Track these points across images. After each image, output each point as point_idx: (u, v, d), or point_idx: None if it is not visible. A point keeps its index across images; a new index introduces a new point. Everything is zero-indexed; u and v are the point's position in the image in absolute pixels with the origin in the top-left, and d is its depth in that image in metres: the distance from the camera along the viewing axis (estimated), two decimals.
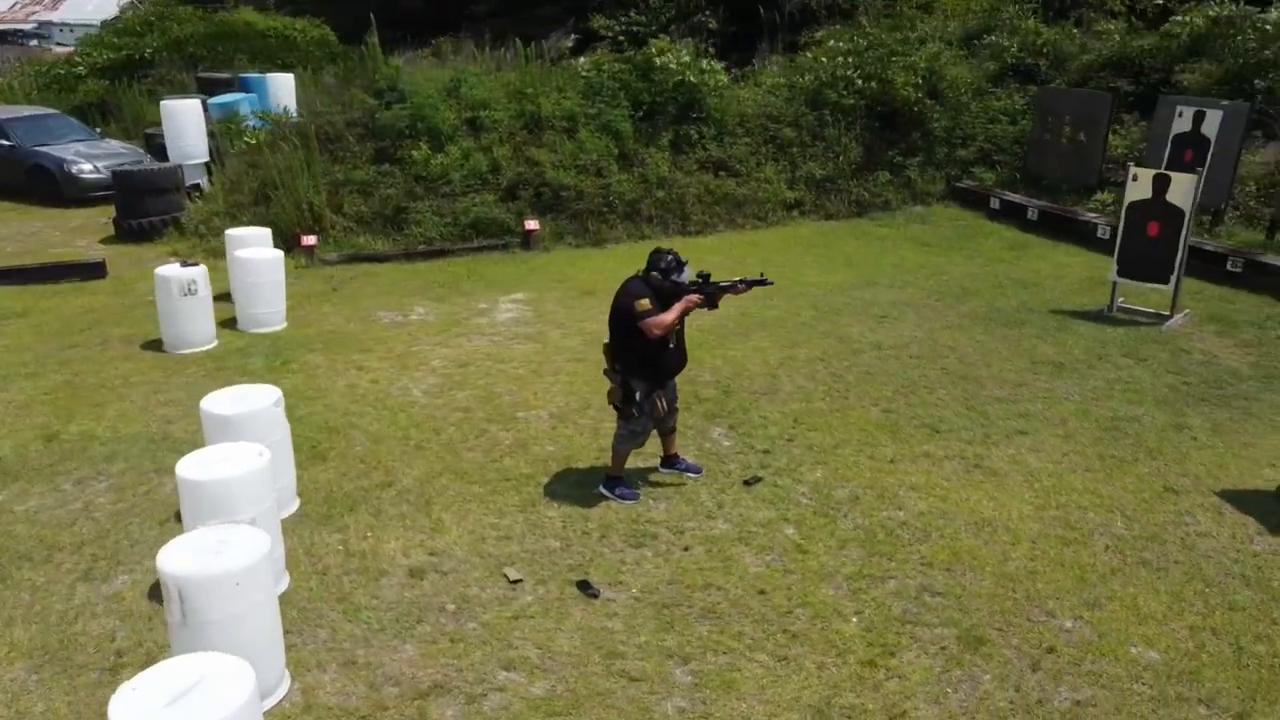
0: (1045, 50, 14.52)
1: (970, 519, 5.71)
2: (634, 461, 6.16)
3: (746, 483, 6.15)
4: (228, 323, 9.19)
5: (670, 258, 5.67)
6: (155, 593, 4.93)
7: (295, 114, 13.47)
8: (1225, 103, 11.18)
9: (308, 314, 9.71)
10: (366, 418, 7.16)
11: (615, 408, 5.83)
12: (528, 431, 6.94)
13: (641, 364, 5.71)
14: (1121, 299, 9.52)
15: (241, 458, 4.83)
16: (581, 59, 14.12)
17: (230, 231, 10.07)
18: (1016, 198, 13.18)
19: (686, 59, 13.04)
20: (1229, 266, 10.30)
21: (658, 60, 12.92)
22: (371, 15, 13.48)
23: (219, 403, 5.55)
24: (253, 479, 4.76)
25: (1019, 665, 4.45)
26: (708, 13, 20.25)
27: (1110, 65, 13.66)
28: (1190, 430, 6.90)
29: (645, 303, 5.56)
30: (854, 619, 4.80)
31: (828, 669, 4.44)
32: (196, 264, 8.74)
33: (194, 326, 8.61)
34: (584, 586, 5.05)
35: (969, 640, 4.62)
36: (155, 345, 8.69)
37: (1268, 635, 4.62)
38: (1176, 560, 5.26)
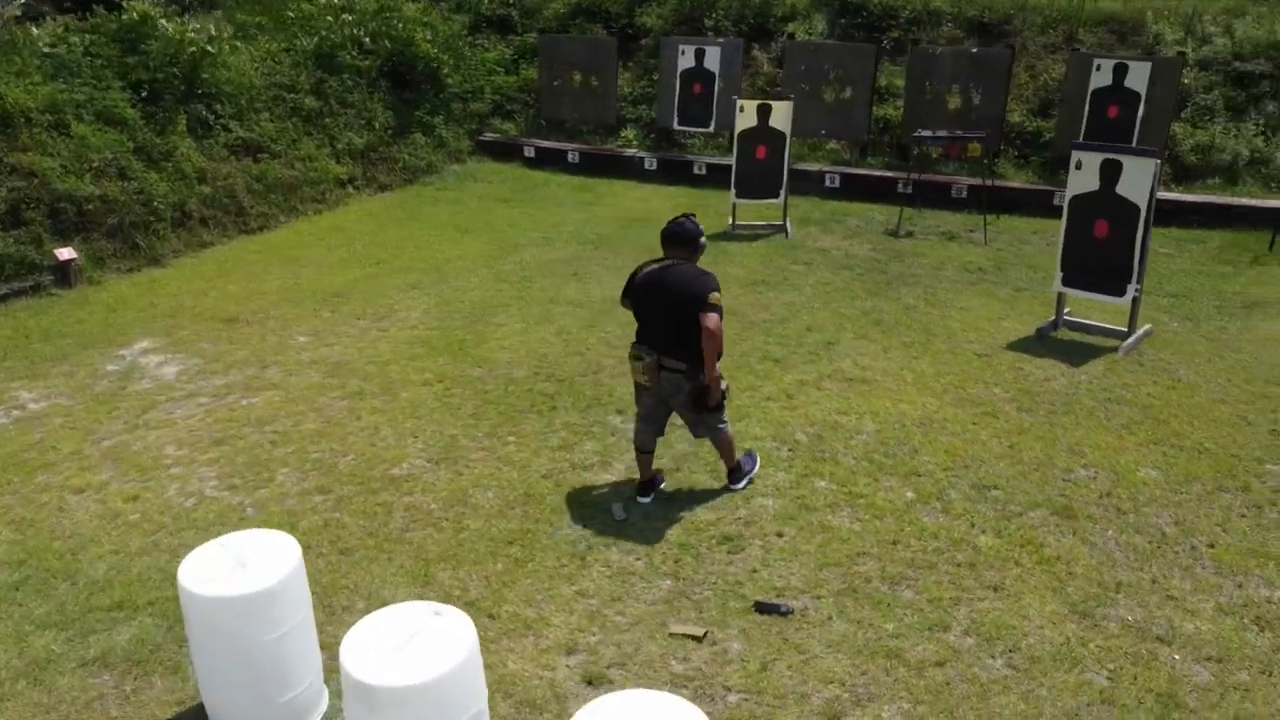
0: (514, 1, 15.02)
1: (914, 422, 6.31)
2: (594, 477, 5.50)
3: None
4: None
5: (692, 218, 5.29)
6: None
7: None
8: (722, 40, 12.99)
9: None
10: None
11: (710, 408, 5.18)
12: (436, 487, 5.63)
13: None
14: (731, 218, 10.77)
15: (425, 635, 3.27)
16: (35, 29, 10.64)
17: None
18: (551, 143, 13.71)
19: (195, 24, 10.72)
20: None
21: (166, 25, 10.39)
22: None
23: (216, 574, 3.58)
24: (477, 660, 3.29)
25: (1114, 516, 5.25)
26: None
27: (581, 13, 14.72)
28: (918, 309, 8.37)
29: (718, 295, 5.02)
30: (977, 533, 5.12)
31: (1026, 579, 4.74)
32: None
33: None
34: (768, 608, 4.52)
35: (1062, 513, 5.28)
36: None
37: (1183, 431, 6.12)
38: (1065, 404, 6.55)
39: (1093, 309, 7.86)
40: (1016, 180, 11.57)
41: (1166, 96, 10.62)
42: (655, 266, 5.19)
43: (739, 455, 5.60)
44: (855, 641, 4.31)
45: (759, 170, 10.47)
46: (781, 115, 10.31)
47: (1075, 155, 7.32)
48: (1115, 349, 7.32)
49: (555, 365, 7.25)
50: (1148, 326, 7.62)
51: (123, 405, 6.76)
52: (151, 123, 10.54)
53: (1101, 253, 7.30)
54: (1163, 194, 10.80)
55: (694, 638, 4.34)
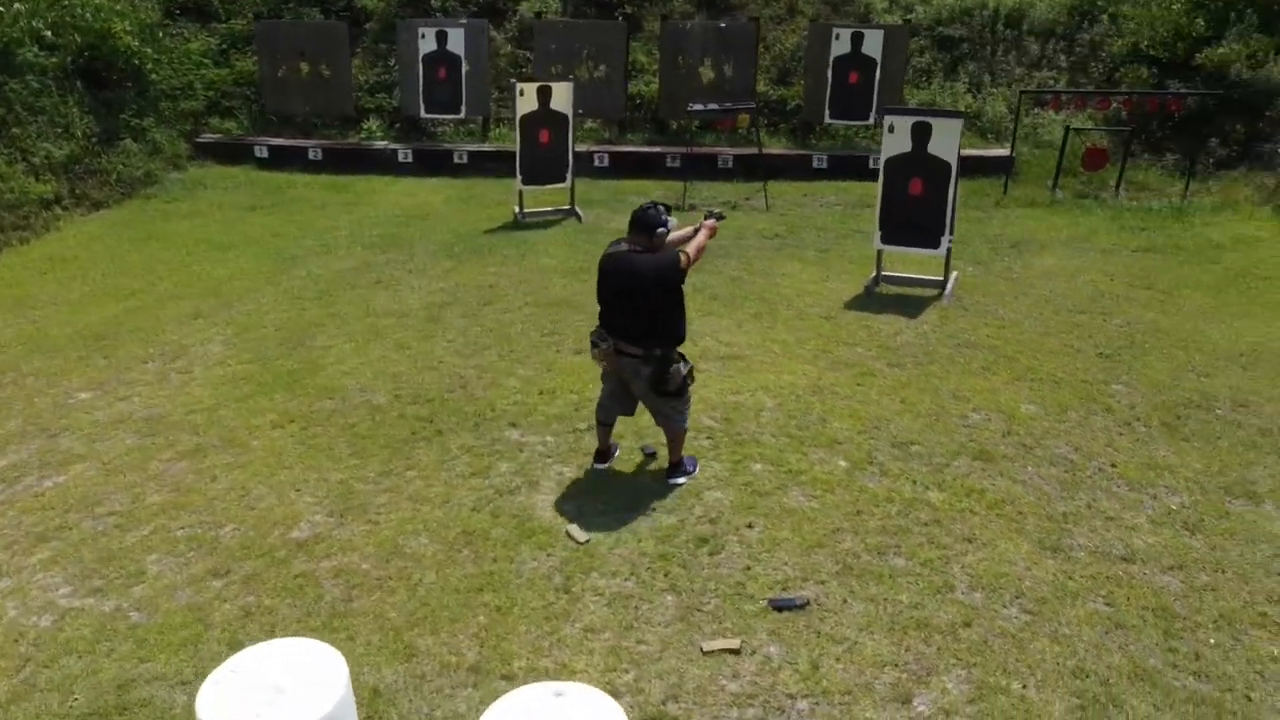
0: None
1: (806, 391, 6.42)
2: (527, 500, 5.10)
3: (650, 455, 5.68)
4: None
5: (659, 207, 5.08)
6: None
7: None
8: (465, 20, 12.38)
9: None
10: (156, 664, 4.10)
11: (670, 394, 5.10)
12: (356, 543, 4.92)
13: (679, 330, 5.13)
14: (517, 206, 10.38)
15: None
16: None
17: None
18: (286, 141, 12.43)
19: None
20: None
21: None
22: None
23: (252, 708, 2.86)
24: None
25: (1024, 453, 5.64)
26: None
27: None
28: (744, 279, 8.54)
29: (682, 257, 5.01)
30: (924, 491, 5.29)
31: (989, 525, 4.97)
32: None
33: None
34: (784, 605, 4.39)
35: (982, 458, 5.60)
36: None
37: (1034, 366, 6.71)
38: (925, 354, 6.95)
39: (896, 261, 8.40)
40: (773, 147, 12.12)
41: (897, 61, 11.58)
42: (621, 249, 5.08)
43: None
44: (882, 619, 4.30)
45: (543, 155, 10.14)
46: (563, 97, 10.04)
47: (888, 120, 7.75)
48: (938, 297, 7.89)
49: (414, 385, 6.59)
50: (955, 273, 8.28)
51: None
52: None
53: (917, 209, 7.82)
54: None
55: (731, 651, 4.12)
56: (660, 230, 5.02)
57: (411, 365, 6.89)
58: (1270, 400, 6.20)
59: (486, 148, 12.16)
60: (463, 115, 12.55)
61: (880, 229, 8.05)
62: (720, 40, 11.92)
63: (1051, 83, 12.43)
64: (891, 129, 7.74)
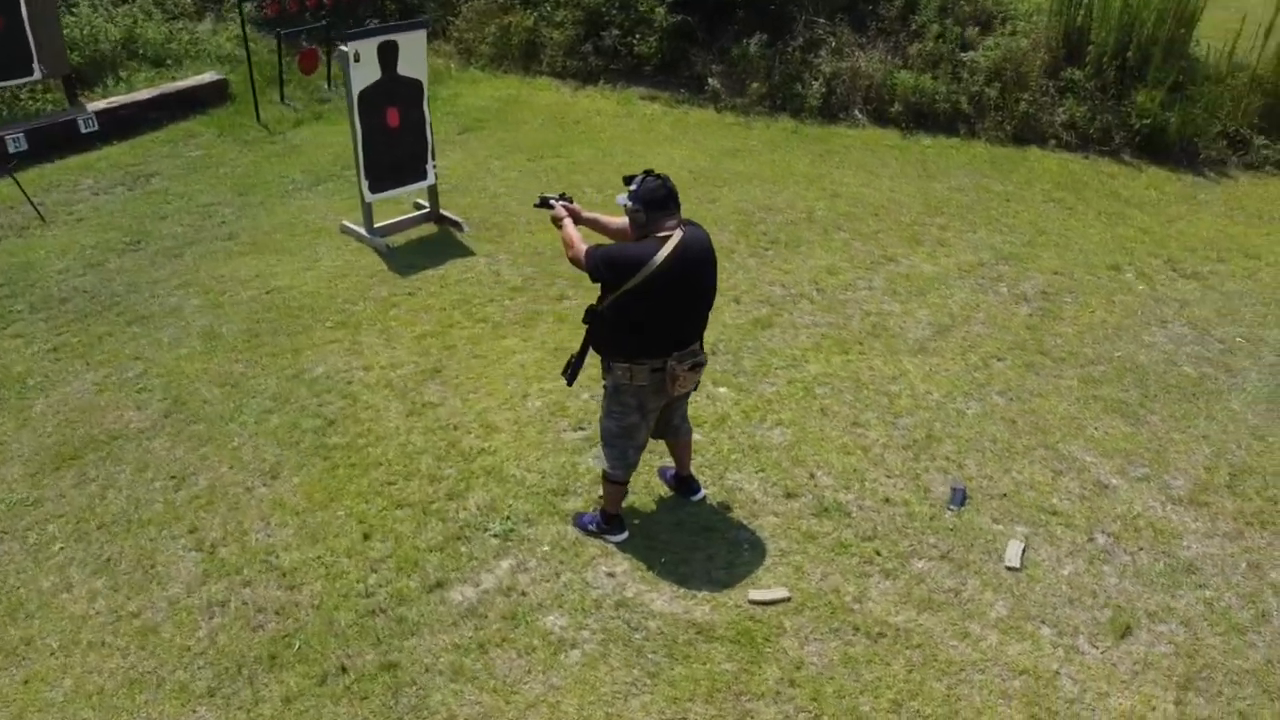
0: None
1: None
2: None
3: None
4: None
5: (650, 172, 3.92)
6: None
7: None
8: None
9: None
10: None
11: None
12: None
13: None
14: None
15: None
16: None
17: None
18: None
19: None
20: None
21: None
22: None
23: None
24: None
25: (792, 300, 6.11)
26: None
27: None
28: (262, 295, 6.33)
29: None
30: (864, 363, 5.48)
31: (912, 363, 5.53)
32: None
33: None
34: (960, 501, 4.44)
35: (770, 325, 5.91)
36: None
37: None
38: (553, 279, 6.48)
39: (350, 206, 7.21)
40: None
41: None
42: (678, 237, 3.77)
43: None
44: (1067, 473, 4.77)
45: None
46: None
47: (351, 47, 6.28)
48: (455, 226, 7.18)
49: (251, 602, 3.69)
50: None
51: None
52: None
53: (400, 142, 6.78)
54: (126, 98, 9.29)
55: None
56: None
57: (195, 567, 3.73)
58: (861, 190, 7.71)
59: None
60: None
61: (368, 178, 6.72)
62: None
63: None
64: (358, 57, 6.33)
